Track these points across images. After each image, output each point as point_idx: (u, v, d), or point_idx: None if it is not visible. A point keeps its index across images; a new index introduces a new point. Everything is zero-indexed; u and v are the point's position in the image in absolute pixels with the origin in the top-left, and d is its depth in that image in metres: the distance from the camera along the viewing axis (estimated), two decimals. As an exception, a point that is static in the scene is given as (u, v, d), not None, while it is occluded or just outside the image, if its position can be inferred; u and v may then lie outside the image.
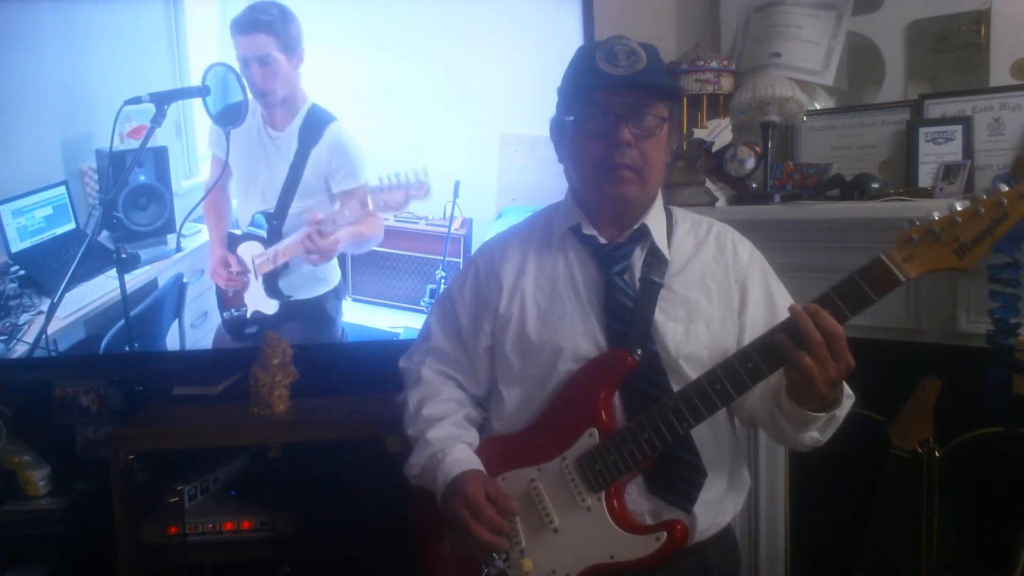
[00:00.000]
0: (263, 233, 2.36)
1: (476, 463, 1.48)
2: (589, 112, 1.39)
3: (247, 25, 2.27)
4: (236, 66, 2.30)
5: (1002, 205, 1.17)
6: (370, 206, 2.33)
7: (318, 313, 2.41)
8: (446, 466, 1.46)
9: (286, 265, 2.38)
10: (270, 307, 2.41)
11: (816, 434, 1.34)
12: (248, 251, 2.38)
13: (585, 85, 1.40)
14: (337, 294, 2.41)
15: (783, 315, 1.28)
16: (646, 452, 1.35)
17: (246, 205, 2.37)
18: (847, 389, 1.36)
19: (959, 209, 1.19)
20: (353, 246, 2.38)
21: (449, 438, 1.51)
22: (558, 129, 1.49)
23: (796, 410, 1.29)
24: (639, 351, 1.39)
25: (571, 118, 1.43)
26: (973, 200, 1.19)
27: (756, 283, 1.48)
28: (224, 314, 2.42)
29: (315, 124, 2.32)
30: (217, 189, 2.35)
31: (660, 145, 1.42)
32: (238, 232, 2.38)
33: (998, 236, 1.18)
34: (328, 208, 2.35)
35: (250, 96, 2.31)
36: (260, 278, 2.39)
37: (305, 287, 2.40)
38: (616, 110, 1.37)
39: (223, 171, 2.34)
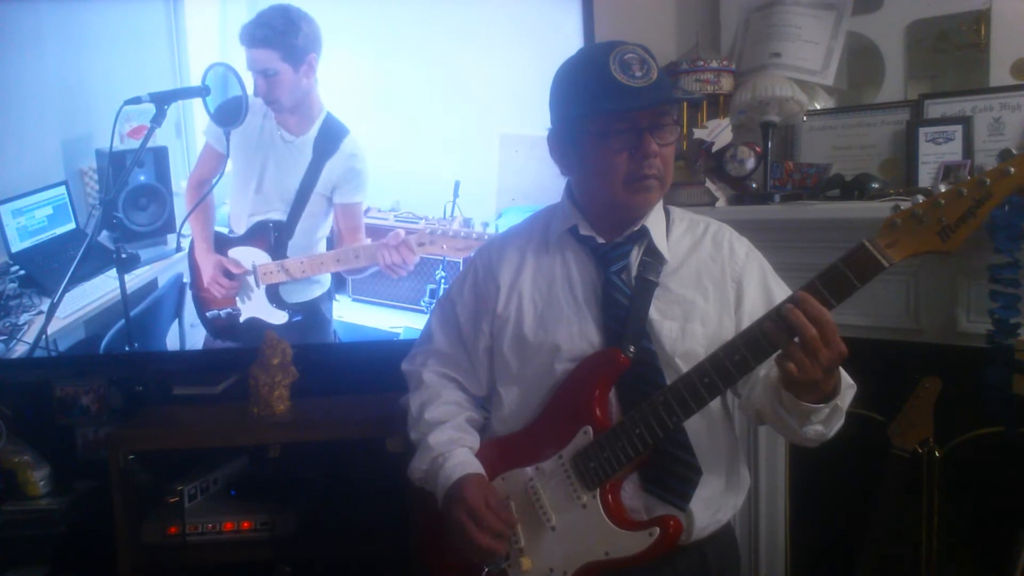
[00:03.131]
0: (269, 241, 2.35)
1: (476, 467, 1.49)
2: (616, 128, 1.37)
3: (249, 39, 2.27)
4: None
5: (985, 184, 1.16)
6: (414, 249, 2.30)
7: (315, 315, 2.41)
8: (447, 470, 1.47)
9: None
10: (277, 317, 2.39)
11: (820, 427, 1.31)
12: (248, 256, 2.37)
13: (611, 102, 1.36)
14: (330, 295, 2.41)
15: None
16: (638, 448, 1.35)
17: (242, 205, 2.35)
18: (847, 379, 1.34)
19: (942, 191, 1.18)
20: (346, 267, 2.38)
21: (450, 442, 1.52)
22: (568, 140, 1.45)
23: (795, 403, 1.28)
24: (632, 348, 1.40)
25: (591, 132, 1.39)
26: (956, 181, 1.18)
27: (753, 281, 1.48)
28: (208, 314, 2.39)
29: (330, 136, 2.31)
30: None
31: (674, 148, 1.43)
32: (225, 231, 2.36)
33: (982, 217, 1.17)
34: (324, 219, 2.34)
35: (250, 94, 2.31)
36: (262, 287, 2.38)
37: (301, 290, 2.40)
38: (642, 123, 1.37)
39: (222, 168, 2.33)
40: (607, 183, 1.41)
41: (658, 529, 1.35)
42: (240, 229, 2.36)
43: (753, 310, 1.45)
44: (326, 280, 2.40)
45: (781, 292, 1.48)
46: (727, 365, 1.28)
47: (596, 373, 1.41)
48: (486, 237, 2.25)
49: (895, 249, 1.19)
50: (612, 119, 1.37)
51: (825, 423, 1.32)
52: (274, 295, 2.39)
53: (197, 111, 2.33)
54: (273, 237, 2.35)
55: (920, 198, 1.19)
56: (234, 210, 2.36)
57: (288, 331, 2.34)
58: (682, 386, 1.32)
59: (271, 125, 2.32)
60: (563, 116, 1.45)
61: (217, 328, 2.40)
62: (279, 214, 2.33)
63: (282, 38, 2.26)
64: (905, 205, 1.20)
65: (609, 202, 1.44)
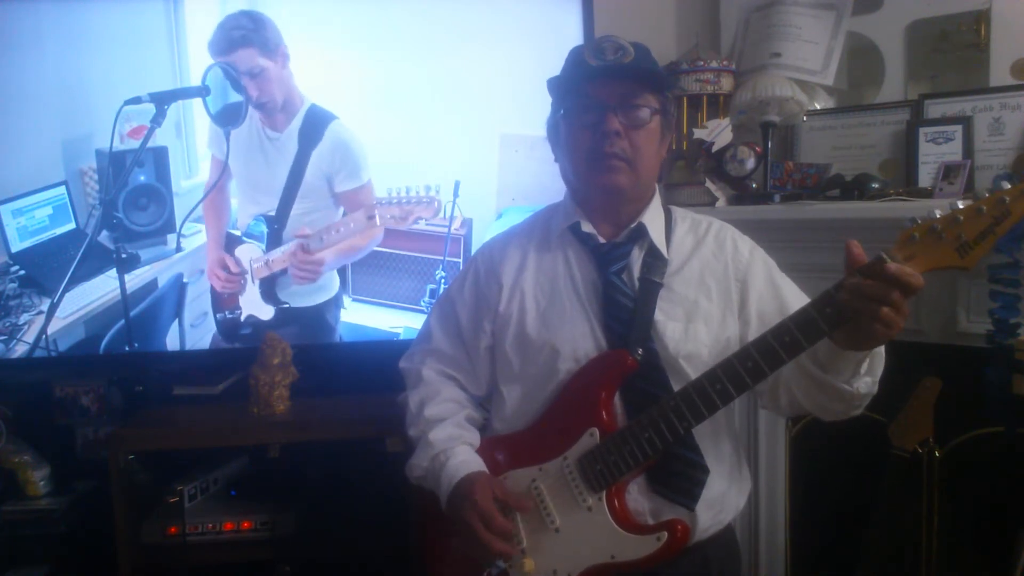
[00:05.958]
0: (263, 236, 2.36)
1: (479, 464, 1.49)
2: (578, 103, 1.41)
3: (224, 46, 2.26)
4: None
5: (1004, 203, 1.16)
6: (377, 220, 2.31)
7: (318, 321, 2.40)
8: (450, 468, 1.46)
9: (284, 271, 2.37)
10: (265, 313, 2.40)
11: (869, 379, 1.30)
12: (247, 253, 2.38)
13: (573, 77, 1.42)
14: (337, 302, 2.40)
15: (793, 307, 1.27)
16: (647, 452, 1.35)
17: (246, 207, 2.36)
18: None
19: (961, 207, 1.17)
20: (344, 258, 2.36)
21: (451, 439, 1.51)
22: (553, 127, 1.50)
23: (847, 358, 1.25)
24: (640, 351, 1.39)
25: (562, 112, 1.45)
26: (975, 198, 1.18)
27: (758, 279, 1.47)
28: (218, 315, 2.41)
29: (315, 124, 2.31)
30: (216, 190, 2.34)
31: (651, 136, 1.43)
32: (237, 233, 2.38)
33: (1000, 234, 1.17)
34: (331, 209, 2.34)
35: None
36: (256, 283, 2.38)
37: (305, 294, 2.39)
38: (605, 100, 1.39)
39: (222, 172, 2.34)
40: (574, 161, 1.45)
41: (666, 533, 1.35)
42: (242, 228, 2.37)
43: (762, 307, 1.44)
44: (332, 285, 2.39)
45: (789, 288, 1.47)
46: (740, 371, 1.28)
47: (603, 375, 1.41)
48: (430, 201, 2.29)
49: (913, 263, 1.18)
50: (578, 96, 1.41)
51: (872, 372, 1.30)
52: (268, 291, 2.39)
53: (197, 111, 2.33)
54: (267, 232, 2.35)
55: (938, 213, 1.18)
56: (239, 211, 2.37)
57: (290, 335, 2.34)
58: (694, 391, 1.31)
59: (256, 125, 2.32)
60: (552, 103, 1.50)
61: (225, 329, 2.41)
62: (272, 210, 2.34)
63: (256, 34, 2.27)
64: (923, 217, 1.19)
65: (579, 184, 1.47)
